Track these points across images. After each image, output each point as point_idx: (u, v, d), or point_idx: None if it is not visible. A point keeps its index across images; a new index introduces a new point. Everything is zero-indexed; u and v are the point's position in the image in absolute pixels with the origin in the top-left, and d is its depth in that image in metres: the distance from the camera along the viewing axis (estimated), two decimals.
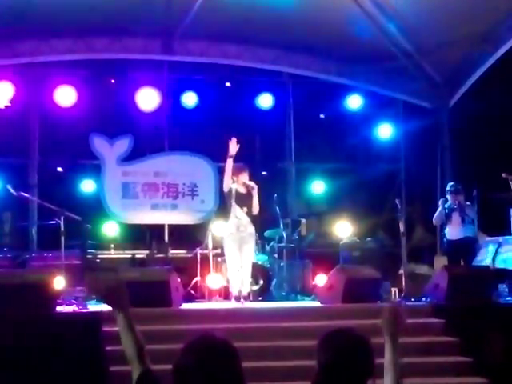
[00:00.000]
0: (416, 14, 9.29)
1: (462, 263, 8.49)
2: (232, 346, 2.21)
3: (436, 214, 8.83)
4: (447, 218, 8.66)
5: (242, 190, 7.92)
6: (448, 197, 8.75)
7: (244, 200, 7.88)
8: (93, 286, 2.22)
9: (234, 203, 7.84)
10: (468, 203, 8.66)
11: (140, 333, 2.49)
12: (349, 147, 11.23)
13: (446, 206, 8.71)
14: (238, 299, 7.78)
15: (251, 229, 7.94)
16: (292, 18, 9.26)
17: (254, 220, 8.04)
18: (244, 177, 7.93)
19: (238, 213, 7.87)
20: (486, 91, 10.47)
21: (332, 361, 2.33)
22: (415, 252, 9.86)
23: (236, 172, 7.90)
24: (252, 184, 7.93)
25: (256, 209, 7.94)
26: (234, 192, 7.83)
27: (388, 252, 9.84)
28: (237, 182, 7.90)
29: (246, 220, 7.88)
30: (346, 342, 2.38)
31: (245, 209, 7.88)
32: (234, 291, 7.88)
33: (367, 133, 11.38)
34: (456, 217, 8.58)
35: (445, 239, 8.82)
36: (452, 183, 8.98)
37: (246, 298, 7.84)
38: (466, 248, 8.57)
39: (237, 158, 9.86)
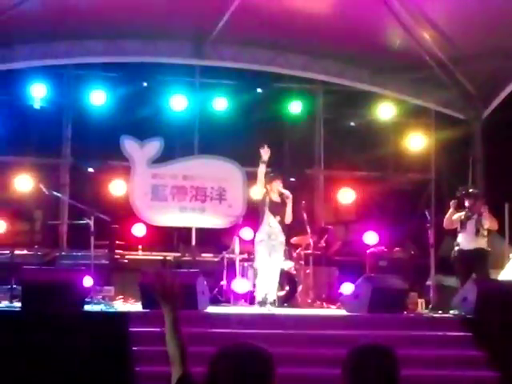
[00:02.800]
0: (451, 23, 9.21)
1: (471, 274, 8.19)
2: (266, 353, 2.16)
3: (447, 217, 8.49)
4: (462, 225, 8.37)
5: (276, 199, 7.95)
6: (466, 202, 8.43)
7: (278, 209, 7.92)
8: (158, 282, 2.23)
9: (267, 211, 7.86)
10: (486, 213, 8.40)
11: (184, 335, 2.48)
12: (379, 156, 11.15)
13: (462, 213, 8.43)
14: (262, 304, 7.79)
15: (282, 238, 7.98)
16: (325, 25, 9.25)
17: (283, 228, 8.04)
18: (278, 185, 7.96)
19: (271, 221, 7.89)
20: None
21: (361, 378, 2.29)
22: (443, 263, 9.74)
23: (269, 180, 7.94)
24: (287, 193, 7.94)
25: (289, 218, 7.97)
26: (267, 200, 7.87)
27: (416, 263, 9.74)
28: (271, 190, 7.92)
29: (278, 228, 7.92)
30: (374, 358, 2.34)
31: (278, 217, 7.91)
32: (258, 297, 7.90)
33: (398, 142, 11.29)
34: (471, 226, 8.29)
35: (456, 247, 8.42)
36: (471, 189, 8.76)
37: (272, 305, 7.85)
38: (477, 260, 8.27)
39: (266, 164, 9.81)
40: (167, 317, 2.48)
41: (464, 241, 8.36)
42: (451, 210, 8.48)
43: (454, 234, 8.70)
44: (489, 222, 8.31)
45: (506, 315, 7.08)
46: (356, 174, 11.43)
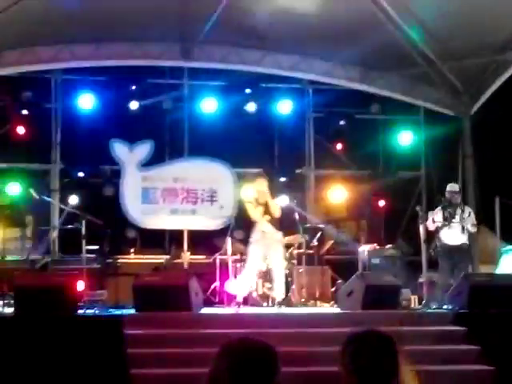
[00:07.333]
0: (439, 21, 9.24)
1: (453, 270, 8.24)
2: (272, 350, 2.09)
3: (428, 223, 8.37)
4: (447, 221, 8.32)
5: (261, 200, 8.07)
6: (447, 196, 8.41)
7: (265, 208, 8.01)
8: None
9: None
10: (469, 210, 8.48)
11: None
12: (369, 154, 11.18)
13: (445, 211, 8.40)
14: (238, 305, 7.91)
15: (278, 235, 8.10)
16: (313, 25, 9.27)
17: (276, 224, 8.12)
18: (259, 185, 8.06)
19: (262, 223, 8.01)
20: (507, 99, 10.38)
21: (361, 363, 2.26)
22: (435, 260, 9.75)
23: (253, 182, 8.11)
24: (262, 189, 8.05)
25: (276, 211, 8.03)
26: (256, 204, 8.01)
27: (408, 260, 9.76)
28: (257, 192, 8.08)
29: (271, 227, 8.02)
30: (374, 343, 2.33)
31: (267, 217, 8.01)
32: (239, 296, 8.00)
33: (388, 140, 11.33)
34: (457, 224, 8.32)
35: (438, 243, 8.37)
36: (451, 184, 8.75)
37: (281, 304, 7.90)
38: (462, 255, 8.36)
39: (256, 164, 9.86)
40: None
41: (449, 236, 8.36)
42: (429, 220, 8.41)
43: None
44: (471, 223, 8.36)
45: (499, 309, 7.12)
46: (346, 173, 11.45)
